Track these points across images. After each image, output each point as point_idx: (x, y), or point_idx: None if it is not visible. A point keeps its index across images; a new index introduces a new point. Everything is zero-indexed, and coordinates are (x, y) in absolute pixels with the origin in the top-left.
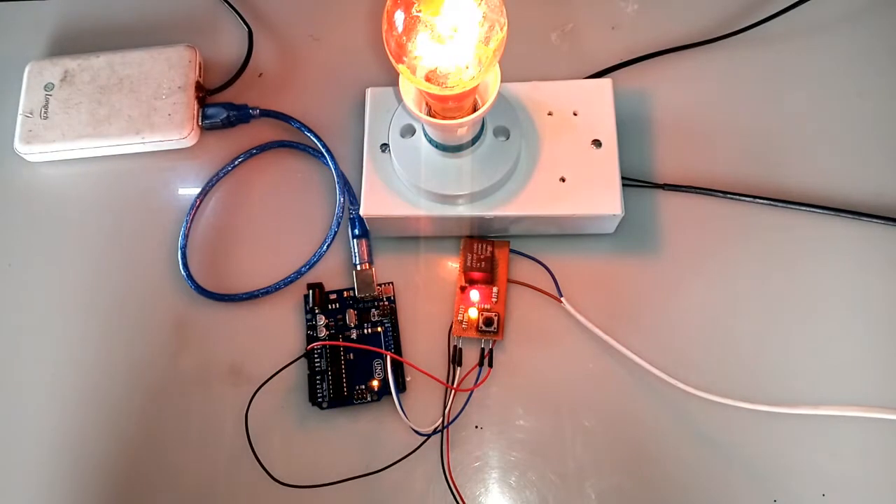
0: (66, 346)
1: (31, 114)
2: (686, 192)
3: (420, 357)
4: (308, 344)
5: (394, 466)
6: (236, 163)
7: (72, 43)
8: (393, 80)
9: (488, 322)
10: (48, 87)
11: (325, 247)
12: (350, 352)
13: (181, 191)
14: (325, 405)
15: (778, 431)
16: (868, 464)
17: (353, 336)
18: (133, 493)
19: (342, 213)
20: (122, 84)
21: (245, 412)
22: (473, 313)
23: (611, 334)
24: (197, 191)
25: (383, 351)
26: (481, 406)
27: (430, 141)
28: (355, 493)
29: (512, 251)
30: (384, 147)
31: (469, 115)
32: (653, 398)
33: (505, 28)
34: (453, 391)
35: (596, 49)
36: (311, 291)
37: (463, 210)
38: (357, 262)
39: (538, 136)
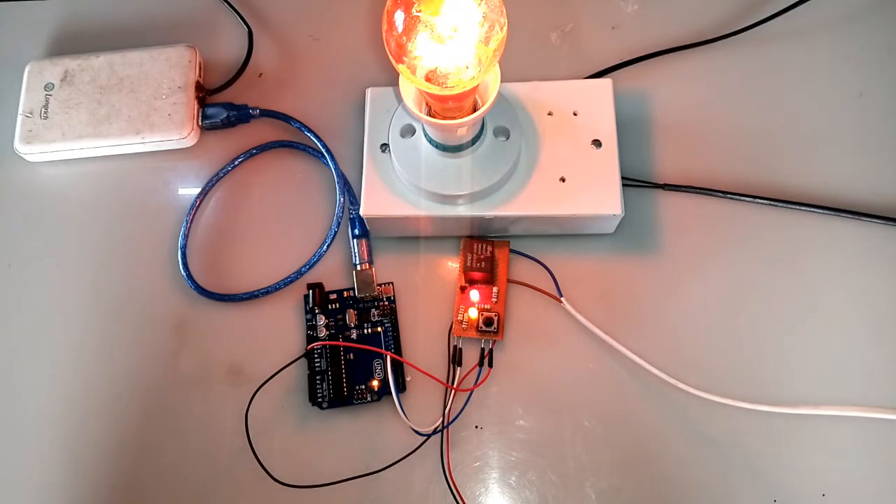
0: (66, 345)
1: (31, 114)
2: (686, 192)
3: (420, 357)
4: (308, 344)
5: (394, 466)
6: (236, 163)
7: (72, 43)
8: (393, 80)
9: (488, 322)
10: (48, 87)
11: (325, 247)
12: (350, 352)
13: (181, 191)
14: (325, 405)
15: (778, 431)
16: (868, 464)
17: (353, 336)
18: (133, 492)
19: (342, 213)
20: (122, 84)
21: (245, 412)
22: (473, 313)
23: (611, 334)
24: (197, 191)
25: (383, 351)
26: (481, 406)
27: (430, 141)
28: (355, 493)
29: (512, 251)
30: (384, 147)
31: (469, 115)
32: (653, 398)
33: (505, 28)
34: (453, 391)
35: (596, 49)
36: (311, 291)
37: (463, 210)
38: (357, 262)
39: (538, 136)
